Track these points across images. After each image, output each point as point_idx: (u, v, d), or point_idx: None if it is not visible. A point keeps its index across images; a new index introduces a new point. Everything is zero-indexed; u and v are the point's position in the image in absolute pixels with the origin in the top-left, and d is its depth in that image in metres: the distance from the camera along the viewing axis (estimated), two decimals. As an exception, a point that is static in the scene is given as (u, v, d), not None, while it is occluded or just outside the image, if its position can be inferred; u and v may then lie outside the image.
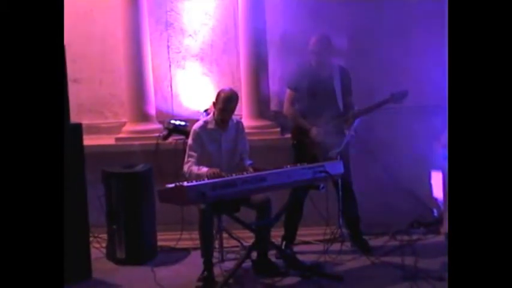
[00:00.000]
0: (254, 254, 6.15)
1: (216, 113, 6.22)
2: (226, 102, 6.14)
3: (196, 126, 6.28)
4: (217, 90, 6.31)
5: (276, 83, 7.51)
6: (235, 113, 6.62)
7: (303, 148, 6.51)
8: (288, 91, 6.62)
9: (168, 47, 7.65)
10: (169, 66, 7.66)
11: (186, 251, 6.81)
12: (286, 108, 6.65)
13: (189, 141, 6.25)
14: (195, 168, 6.04)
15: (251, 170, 6.02)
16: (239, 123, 6.41)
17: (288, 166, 6.08)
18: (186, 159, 6.18)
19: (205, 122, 6.27)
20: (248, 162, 6.23)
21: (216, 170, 5.90)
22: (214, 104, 6.24)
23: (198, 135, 6.21)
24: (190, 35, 7.65)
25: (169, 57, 7.65)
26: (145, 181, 6.67)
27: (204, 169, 5.97)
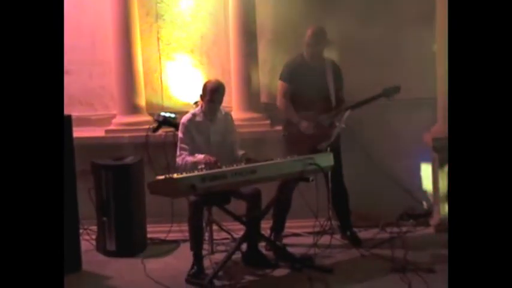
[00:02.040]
0: (244, 246, 6.16)
1: (204, 105, 6.23)
2: (213, 93, 6.15)
3: (184, 119, 6.28)
4: (205, 83, 6.29)
5: (266, 75, 7.50)
6: (226, 104, 6.62)
7: (293, 140, 6.52)
8: (281, 83, 6.61)
9: (158, 39, 7.63)
10: (160, 58, 7.64)
11: (176, 243, 6.82)
12: (278, 100, 6.65)
13: (180, 134, 6.25)
14: (190, 158, 6.04)
15: (244, 161, 6.03)
16: (228, 115, 6.42)
17: (278, 158, 6.09)
18: (178, 152, 6.17)
19: (193, 115, 6.27)
20: (241, 152, 6.23)
21: (212, 158, 5.90)
22: (201, 96, 6.24)
23: (187, 128, 6.21)
24: (180, 27, 7.63)
25: (159, 49, 7.63)
26: (135, 173, 6.68)
27: (200, 156, 5.98)
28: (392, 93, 6.43)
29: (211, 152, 6.15)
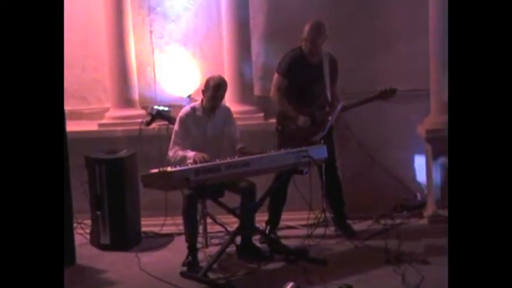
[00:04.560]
0: (238, 239, 6.17)
1: (205, 100, 6.21)
2: (216, 89, 6.14)
3: (183, 112, 6.25)
4: (206, 78, 6.29)
5: (259, 67, 7.50)
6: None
7: (287, 133, 6.51)
8: (276, 76, 6.55)
9: (151, 32, 7.61)
10: (152, 51, 7.62)
11: (170, 237, 6.82)
12: (273, 92, 6.59)
13: (176, 127, 6.24)
14: (181, 153, 6.04)
15: (238, 153, 6.02)
16: (228, 110, 6.41)
17: (272, 151, 6.09)
18: (171, 145, 6.17)
19: (193, 109, 6.25)
20: (238, 145, 6.22)
21: (204, 155, 5.89)
22: (203, 91, 6.23)
23: (184, 121, 6.20)
24: (173, 20, 7.61)
25: (152, 42, 7.60)
26: (128, 167, 6.66)
27: (191, 153, 5.97)
28: (389, 95, 6.45)
29: (206, 145, 6.14)
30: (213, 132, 6.24)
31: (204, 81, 6.30)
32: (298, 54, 6.49)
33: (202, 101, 6.26)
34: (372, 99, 6.49)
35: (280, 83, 6.51)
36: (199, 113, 6.22)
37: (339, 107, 6.48)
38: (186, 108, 6.28)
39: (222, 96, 6.23)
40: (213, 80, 6.18)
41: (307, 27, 6.40)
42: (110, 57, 7.40)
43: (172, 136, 6.22)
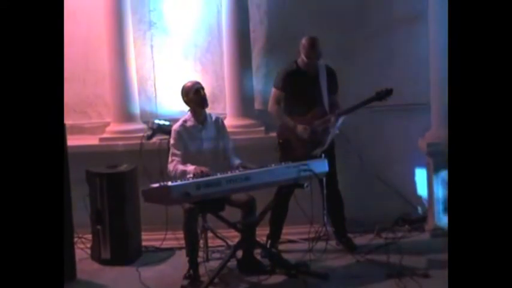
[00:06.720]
0: (239, 253, 6.15)
1: (193, 106, 6.26)
2: (195, 89, 6.22)
3: (176, 126, 6.29)
4: (182, 87, 6.33)
5: (260, 81, 7.51)
6: (220, 111, 6.62)
7: (289, 147, 6.51)
8: (274, 90, 6.61)
9: (152, 46, 7.62)
10: (153, 65, 7.63)
11: (171, 251, 6.80)
12: (270, 106, 6.64)
13: (172, 140, 6.24)
14: (180, 166, 6.04)
15: (241, 168, 6.02)
16: (219, 120, 6.42)
17: (273, 165, 6.08)
18: (170, 159, 6.17)
19: (184, 121, 6.29)
20: (237, 161, 6.22)
21: (203, 168, 5.89)
22: (187, 101, 6.27)
23: (179, 134, 6.21)
24: (173, 34, 7.62)
25: (152, 57, 7.62)
26: (129, 181, 6.66)
27: (191, 167, 5.96)
28: (385, 96, 6.43)
29: (204, 159, 6.14)
30: (208, 145, 6.26)
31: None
32: (294, 68, 6.53)
33: (191, 111, 6.29)
34: (369, 101, 6.46)
35: (278, 97, 6.55)
36: (190, 123, 6.25)
37: (340, 119, 6.47)
38: (178, 123, 6.30)
39: (205, 95, 6.27)
40: (189, 84, 6.27)
41: (303, 44, 6.44)
42: (110, 72, 7.41)
43: (170, 150, 6.22)
